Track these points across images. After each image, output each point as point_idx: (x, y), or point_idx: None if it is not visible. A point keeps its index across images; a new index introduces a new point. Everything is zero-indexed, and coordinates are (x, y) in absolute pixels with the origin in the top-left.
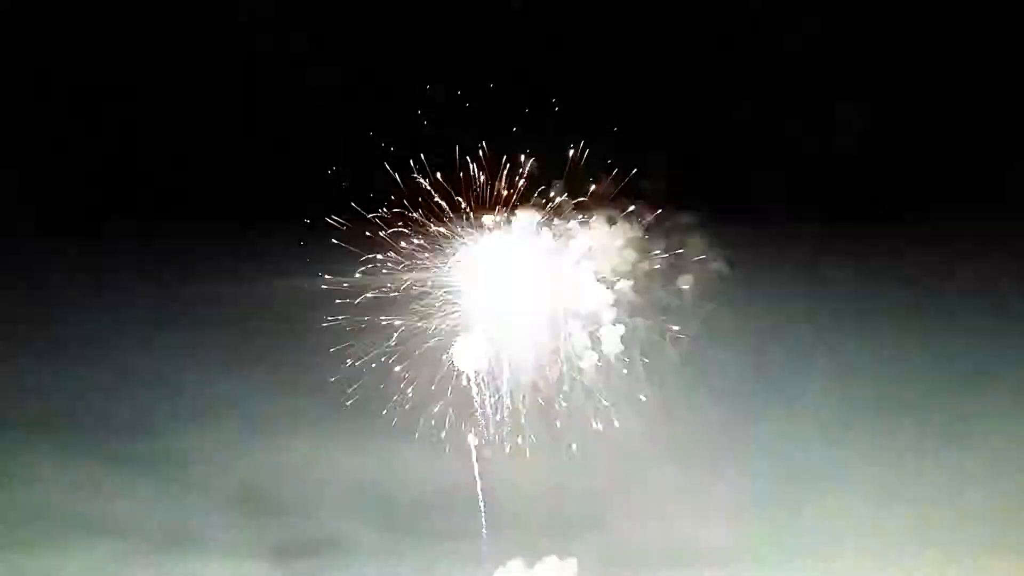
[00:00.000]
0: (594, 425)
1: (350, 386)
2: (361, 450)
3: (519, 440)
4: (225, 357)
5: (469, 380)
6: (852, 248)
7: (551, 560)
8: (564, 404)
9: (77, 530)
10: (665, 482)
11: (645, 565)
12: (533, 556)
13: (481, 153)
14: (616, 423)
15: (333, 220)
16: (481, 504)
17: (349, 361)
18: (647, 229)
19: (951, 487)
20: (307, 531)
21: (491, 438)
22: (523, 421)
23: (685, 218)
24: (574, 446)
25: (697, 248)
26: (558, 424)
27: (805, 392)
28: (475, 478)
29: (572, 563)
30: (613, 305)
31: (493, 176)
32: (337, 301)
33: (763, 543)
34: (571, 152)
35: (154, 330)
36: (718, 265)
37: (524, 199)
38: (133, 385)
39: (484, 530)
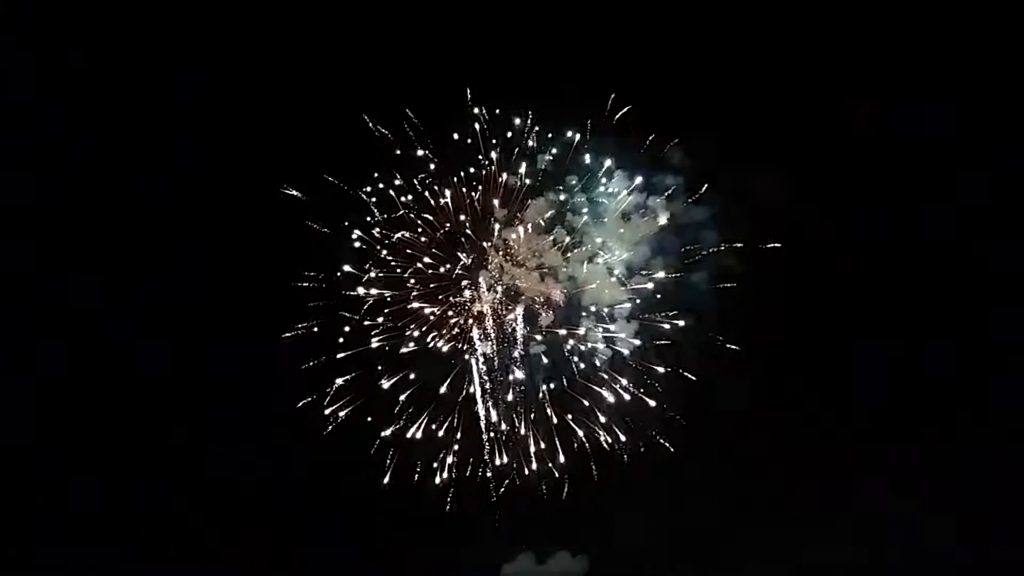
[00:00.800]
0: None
1: None
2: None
3: (531, 437)
4: None
5: (480, 373)
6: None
7: (562, 556)
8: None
9: None
10: (678, 479)
11: (655, 564)
12: (543, 551)
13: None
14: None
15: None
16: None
17: None
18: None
19: None
20: (310, 527)
21: (503, 434)
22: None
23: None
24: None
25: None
26: (571, 420)
27: (824, 390)
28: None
29: (583, 560)
30: (628, 301)
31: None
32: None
33: (774, 542)
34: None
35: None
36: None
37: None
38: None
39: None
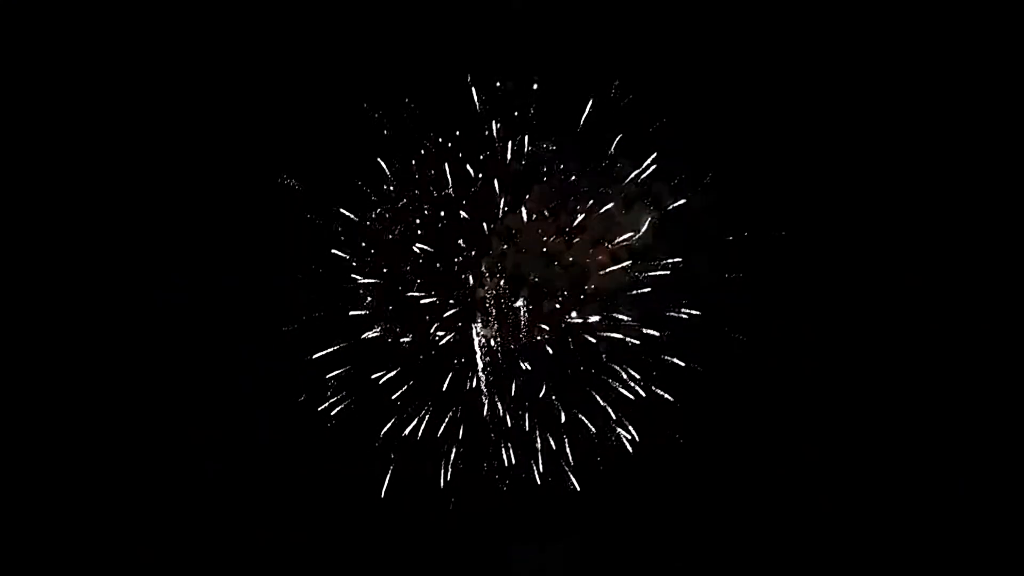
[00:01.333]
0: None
1: None
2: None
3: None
4: None
5: (484, 363)
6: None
7: (565, 544)
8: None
9: None
10: (681, 472)
11: (656, 560)
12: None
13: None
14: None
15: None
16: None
17: None
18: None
19: None
20: (310, 527)
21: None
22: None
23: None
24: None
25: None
26: (574, 411)
27: (824, 388)
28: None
29: (585, 550)
30: (633, 289)
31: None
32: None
33: (774, 542)
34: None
35: None
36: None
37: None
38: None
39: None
